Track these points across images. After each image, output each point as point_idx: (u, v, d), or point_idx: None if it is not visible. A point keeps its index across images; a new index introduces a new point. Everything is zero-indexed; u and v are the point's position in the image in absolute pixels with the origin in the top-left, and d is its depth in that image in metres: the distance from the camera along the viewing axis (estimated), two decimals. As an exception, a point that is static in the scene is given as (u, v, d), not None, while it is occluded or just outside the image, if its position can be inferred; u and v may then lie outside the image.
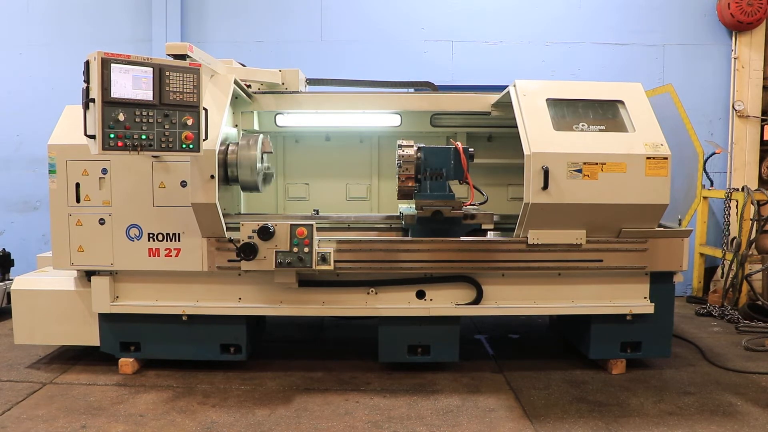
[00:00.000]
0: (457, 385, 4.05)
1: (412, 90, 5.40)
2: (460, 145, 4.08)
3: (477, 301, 4.10)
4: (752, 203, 5.93)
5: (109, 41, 6.81)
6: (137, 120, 3.30)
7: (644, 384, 4.09)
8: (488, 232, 4.40)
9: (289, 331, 5.38)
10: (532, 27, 6.93)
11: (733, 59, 6.92)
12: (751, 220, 5.98)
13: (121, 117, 3.25)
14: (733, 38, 6.92)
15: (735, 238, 6.11)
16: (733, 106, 6.94)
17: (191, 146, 3.46)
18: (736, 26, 6.79)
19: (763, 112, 6.95)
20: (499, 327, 5.49)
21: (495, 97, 4.54)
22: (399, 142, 4.13)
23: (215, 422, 3.50)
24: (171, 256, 4.01)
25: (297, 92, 4.79)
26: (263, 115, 4.94)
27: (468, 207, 4.20)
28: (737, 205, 6.11)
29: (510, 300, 4.12)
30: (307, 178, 5.27)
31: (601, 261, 4.02)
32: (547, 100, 4.05)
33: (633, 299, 4.15)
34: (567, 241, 3.96)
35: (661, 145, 3.86)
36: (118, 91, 3.23)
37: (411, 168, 4.05)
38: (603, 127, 3.98)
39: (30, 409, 3.66)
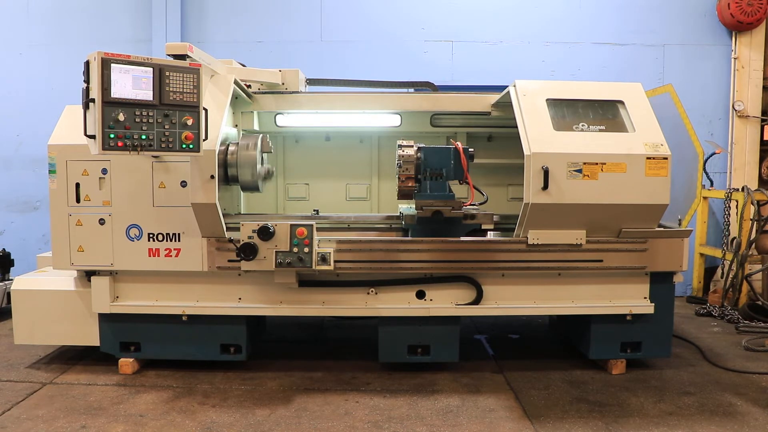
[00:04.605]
0: (457, 385, 4.05)
1: (412, 90, 5.39)
2: (460, 145, 4.08)
3: (477, 301, 4.10)
4: (752, 203, 5.93)
5: (109, 41, 6.81)
6: (137, 120, 3.30)
7: (644, 384, 4.09)
8: (488, 232, 4.41)
9: (289, 331, 5.38)
10: (532, 27, 6.93)
11: (733, 59, 6.92)
12: (751, 220, 5.98)
13: (121, 117, 3.25)
14: (733, 38, 6.92)
15: (735, 238, 6.10)
16: (733, 106, 6.94)
17: (191, 146, 3.46)
18: (736, 26, 6.79)
19: (763, 112, 6.95)
20: (499, 327, 5.49)
21: (495, 97, 4.55)
22: (399, 142, 4.13)
23: (215, 422, 3.50)
24: (171, 256, 4.01)
25: (297, 92, 4.80)
26: (263, 115, 4.94)
27: (468, 207, 4.19)
28: (737, 205, 6.11)
29: (510, 300, 4.12)
30: (307, 178, 5.27)
31: (601, 261, 4.02)
32: (547, 100, 4.05)
33: (633, 299, 4.15)
34: (567, 241, 3.96)
35: (661, 145, 3.86)
36: (118, 91, 3.23)
37: (411, 168, 4.05)
38: (603, 127, 3.98)
39: (30, 409, 3.66)
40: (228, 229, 3.96)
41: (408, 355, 4.21)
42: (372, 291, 4.11)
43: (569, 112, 4.05)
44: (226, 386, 4.03)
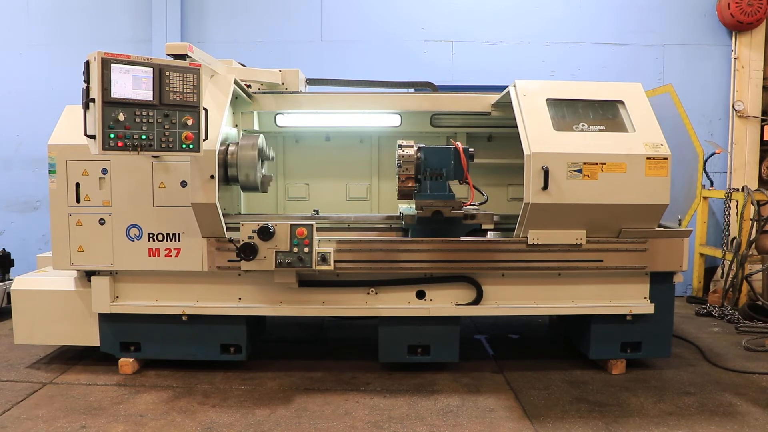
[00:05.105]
0: (457, 385, 4.05)
1: (412, 90, 5.39)
2: (460, 145, 4.08)
3: (477, 301, 4.10)
4: (752, 203, 5.93)
5: (109, 41, 6.81)
6: (137, 120, 3.30)
7: (644, 384, 4.09)
8: (488, 232, 4.41)
9: (289, 331, 5.38)
10: (532, 27, 6.93)
11: (733, 59, 6.92)
12: (751, 220, 5.98)
13: (121, 117, 3.25)
14: (733, 38, 6.92)
15: (735, 238, 6.11)
16: (733, 106, 6.94)
17: (191, 146, 3.46)
18: (736, 26, 6.79)
19: (763, 112, 6.95)
20: (499, 327, 5.49)
21: (495, 97, 4.55)
22: (399, 142, 4.13)
23: (215, 422, 3.50)
24: (171, 256, 4.01)
25: (297, 92, 4.80)
26: (263, 115, 4.94)
27: (468, 207, 4.19)
28: (737, 205, 6.11)
29: (510, 300, 4.12)
30: (307, 178, 5.27)
31: (601, 261, 4.01)
32: (547, 100, 4.05)
33: (633, 299, 4.15)
34: (567, 241, 3.96)
35: (661, 145, 3.86)
36: (118, 91, 3.23)
37: (411, 168, 4.05)
38: (603, 127, 3.98)
39: (30, 409, 3.66)
40: (228, 229, 3.96)
41: (408, 355, 4.21)
42: (372, 291, 4.11)
43: (569, 112, 4.05)
44: (226, 386, 4.03)
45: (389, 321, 4.15)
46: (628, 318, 4.15)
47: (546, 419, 3.55)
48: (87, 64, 3.22)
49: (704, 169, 6.15)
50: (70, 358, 4.52)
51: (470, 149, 4.11)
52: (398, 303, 4.12)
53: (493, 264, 4.03)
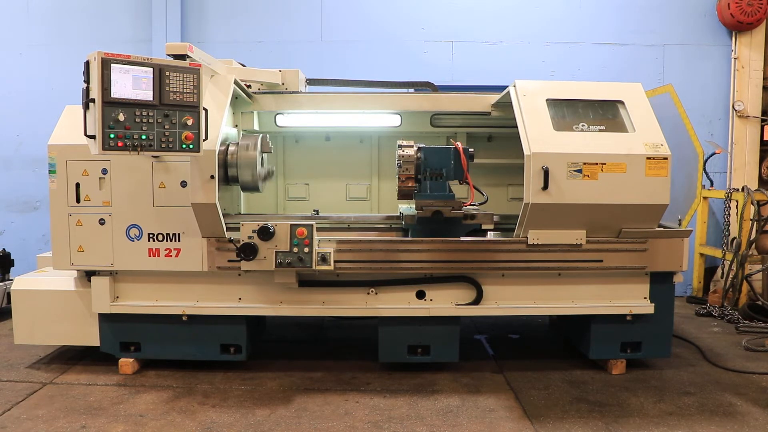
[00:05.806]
0: (457, 385, 4.05)
1: (412, 90, 5.39)
2: (460, 145, 4.08)
3: (477, 301, 4.10)
4: (752, 203, 5.93)
5: (109, 41, 6.81)
6: (137, 120, 3.30)
7: (644, 384, 4.09)
8: (488, 232, 4.41)
9: (289, 331, 5.38)
10: (532, 27, 6.93)
11: (733, 59, 6.92)
12: (751, 220, 5.98)
13: (121, 117, 3.25)
14: (733, 38, 6.92)
15: (735, 238, 6.11)
16: (733, 106, 6.94)
17: (191, 146, 3.46)
18: (736, 26, 6.79)
19: (763, 112, 6.95)
20: (499, 327, 5.49)
21: (495, 97, 4.55)
22: (399, 142, 4.13)
23: (215, 422, 3.50)
24: (171, 256, 4.01)
25: (297, 92, 4.80)
26: (263, 115, 4.94)
27: (468, 207, 4.19)
28: (737, 205, 6.11)
29: (510, 300, 4.12)
30: (307, 178, 5.27)
31: (601, 261, 4.02)
32: (547, 100, 4.05)
33: (633, 299, 4.15)
34: (567, 241, 3.96)
35: (661, 145, 3.86)
36: (118, 91, 3.23)
37: (411, 168, 4.05)
38: (603, 128, 3.98)
39: (30, 409, 3.66)
40: (228, 229, 3.96)
41: (408, 355, 4.21)
42: (372, 291, 4.11)
43: (569, 112, 4.05)
44: (226, 386, 4.03)
45: (389, 321, 4.15)
46: (628, 318, 4.15)
47: (546, 419, 3.55)
48: (87, 64, 3.22)
49: (704, 169, 6.15)
50: (70, 358, 4.52)
51: (470, 149, 4.11)
52: (398, 303, 4.12)
53: (493, 264, 4.03)
